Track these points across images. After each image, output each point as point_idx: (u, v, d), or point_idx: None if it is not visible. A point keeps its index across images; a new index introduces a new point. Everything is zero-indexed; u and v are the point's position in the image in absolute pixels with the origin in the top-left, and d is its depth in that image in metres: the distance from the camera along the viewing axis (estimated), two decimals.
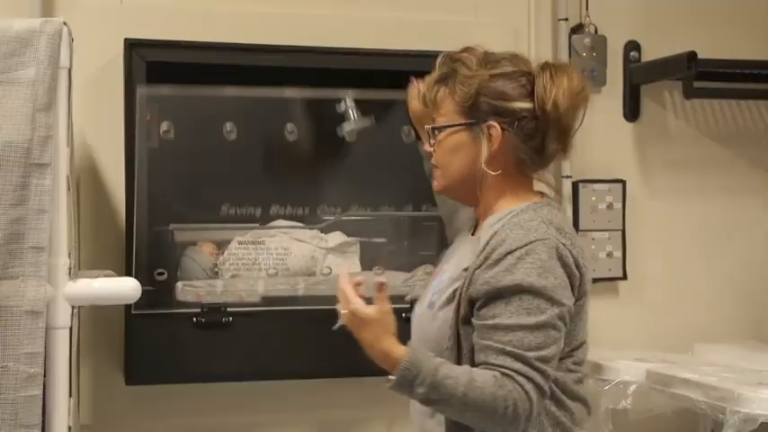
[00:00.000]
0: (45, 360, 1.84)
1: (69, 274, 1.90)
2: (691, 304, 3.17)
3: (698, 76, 2.92)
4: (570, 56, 3.05)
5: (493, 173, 1.76)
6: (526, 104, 1.76)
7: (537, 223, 1.70)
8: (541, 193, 1.86)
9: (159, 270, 2.54)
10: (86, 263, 2.59)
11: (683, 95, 3.09)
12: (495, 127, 1.75)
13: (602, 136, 3.13)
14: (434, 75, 1.83)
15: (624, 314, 3.13)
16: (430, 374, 1.63)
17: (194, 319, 2.46)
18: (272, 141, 2.90)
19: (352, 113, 2.64)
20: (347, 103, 2.64)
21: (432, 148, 1.83)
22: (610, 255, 3.06)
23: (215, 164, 2.86)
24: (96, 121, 2.66)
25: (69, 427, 1.92)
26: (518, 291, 1.64)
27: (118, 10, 2.71)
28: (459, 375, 1.63)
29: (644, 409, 2.51)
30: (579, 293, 1.73)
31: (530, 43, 3.05)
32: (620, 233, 3.08)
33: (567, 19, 3.06)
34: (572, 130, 1.80)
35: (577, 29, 3.08)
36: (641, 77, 3.12)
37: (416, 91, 1.98)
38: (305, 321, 2.54)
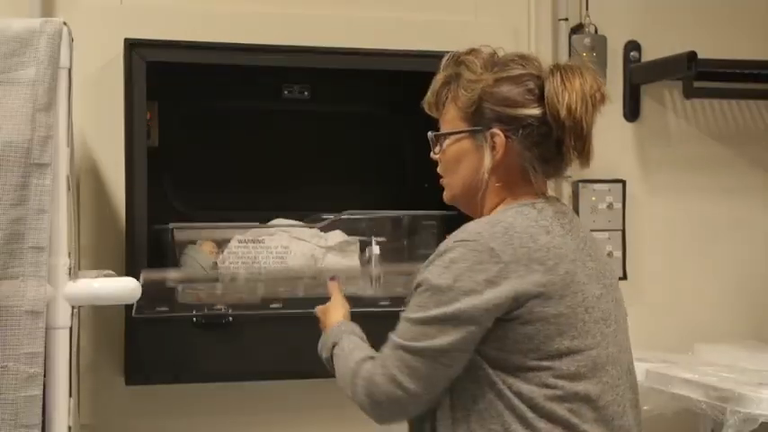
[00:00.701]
0: (45, 360, 1.84)
1: (69, 274, 1.90)
2: (691, 304, 3.17)
3: (698, 76, 2.92)
4: (570, 56, 3.05)
5: (496, 183, 1.68)
6: (534, 111, 1.66)
7: (479, 225, 1.62)
8: (546, 196, 1.73)
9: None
10: (86, 263, 2.59)
11: (683, 95, 3.09)
12: (499, 135, 1.66)
13: (602, 136, 3.09)
14: (438, 78, 1.76)
15: None
16: (332, 343, 1.79)
17: (194, 319, 2.46)
18: (273, 141, 2.91)
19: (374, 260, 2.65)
20: (373, 250, 2.65)
21: (437, 156, 1.76)
22: (610, 255, 3.06)
23: (215, 163, 2.86)
24: (96, 121, 2.66)
25: (69, 427, 1.92)
26: (420, 286, 1.61)
27: (118, 10, 2.71)
28: (347, 350, 1.72)
29: (644, 409, 2.51)
30: (534, 294, 1.56)
31: (530, 43, 3.05)
32: (620, 233, 3.08)
33: (567, 19, 3.06)
34: (590, 136, 1.74)
35: (577, 29, 3.08)
36: (641, 77, 3.12)
37: None
38: (305, 321, 2.54)
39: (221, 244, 2.60)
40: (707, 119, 3.23)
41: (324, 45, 2.67)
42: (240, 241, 2.56)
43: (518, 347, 1.56)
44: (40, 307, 1.82)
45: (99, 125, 2.66)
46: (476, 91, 1.67)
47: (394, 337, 1.61)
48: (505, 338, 1.56)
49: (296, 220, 2.72)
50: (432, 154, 1.77)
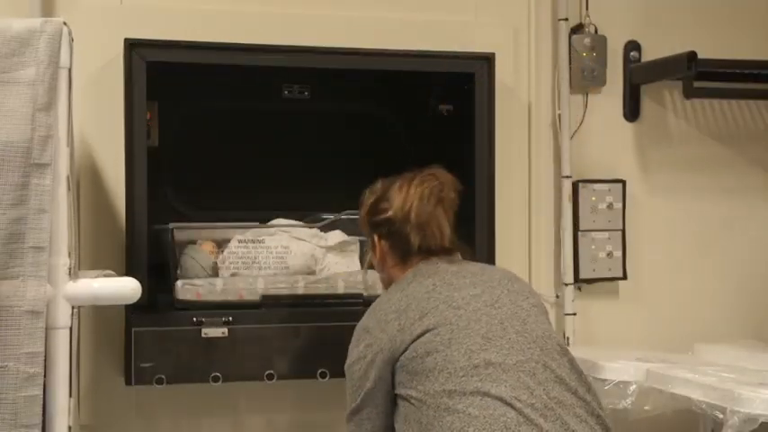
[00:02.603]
0: (45, 360, 1.84)
1: (69, 274, 1.90)
2: (691, 304, 3.17)
3: (698, 76, 2.92)
4: (570, 56, 3.05)
5: (381, 274, 2.27)
6: (388, 214, 2.19)
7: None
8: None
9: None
10: (86, 263, 2.59)
11: (683, 95, 3.09)
12: (375, 237, 2.24)
13: (602, 136, 3.13)
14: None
15: (624, 314, 3.13)
16: None
17: (194, 318, 2.46)
18: (273, 141, 2.91)
19: None
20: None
21: None
22: (610, 255, 3.06)
23: (215, 163, 2.86)
24: (96, 121, 2.66)
25: (69, 427, 1.91)
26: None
27: (118, 10, 2.71)
28: None
29: (644, 409, 2.51)
30: (409, 339, 1.98)
31: (530, 43, 3.05)
32: (620, 233, 3.08)
33: (567, 19, 3.06)
34: (431, 227, 2.17)
35: (577, 29, 3.08)
36: (641, 77, 3.12)
37: None
38: (305, 320, 2.54)
39: (221, 244, 2.60)
40: (707, 119, 3.23)
41: (324, 45, 2.67)
42: (240, 241, 2.56)
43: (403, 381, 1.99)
44: (40, 307, 1.82)
45: (99, 125, 2.66)
46: (364, 211, 2.26)
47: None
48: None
49: (296, 220, 2.72)
50: None
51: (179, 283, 2.49)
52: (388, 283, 2.24)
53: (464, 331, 1.96)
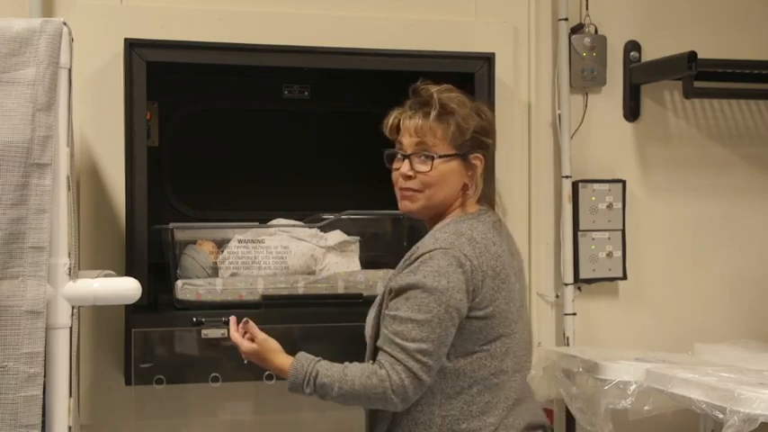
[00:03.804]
0: (45, 360, 1.84)
1: (69, 274, 1.90)
2: (691, 304, 3.18)
3: (698, 76, 2.92)
4: (570, 56, 3.05)
5: (470, 196, 2.08)
6: (490, 139, 2.10)
7: (448, 234, 1.98)
8: (489, 206, 2.13)
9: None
10: (86, 263, 2.59)
11: (683, 95, 3.09)
12: (479, 158, 2.07)
13: (602, 136, 3.13)
14: (432, 109, 2.06)
15: (624, 314, 3.13)
16: (311, 377, 1.97)
17: (194, 318, 2.46)
18: (273, 141, 2.91)
19: None
20: None
21: (413, 172, 2.07)
22: (610, 255, 3.06)
23: (215, 163, 2.86)
24: (96, 121, 2.66)
25: (69, 427, 1.92)
26: (415, 289, 1.93)
27: (118, 10, 2.71)
28: (333, 374, 1.95)
29: (644, 409, 2.51)
30: (489, 295, 1.95)
31: (530, 43, 3.05)
32: (620, 233, 3.08)
33: (567, 19, 3.06)
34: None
35: (577, 29, 3.08)
36: (641, 77, 3.12)
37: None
38: (305, 320, 2.54)
39: (221, 244, 2.60)
40: (707, 119, 3.23)
41: (324, 45, 2.67)
42: (240, 241, 2.56)
43: (468, 337, 1.95)
44: (40, 307, 1.82)
45: (99, 125, 2.66)
46: (458, 123, 2.05)
47: (403, 342, 1.91)
48: (465, 329, 1.95)
49: (296, 220, 2.72)
50: (406, 170, 2.08)
51: (179, 282, 2.49)
52: (450, 207, 2.07)
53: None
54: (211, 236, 2.62)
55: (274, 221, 2.69)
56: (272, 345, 2.08)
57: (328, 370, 1.97)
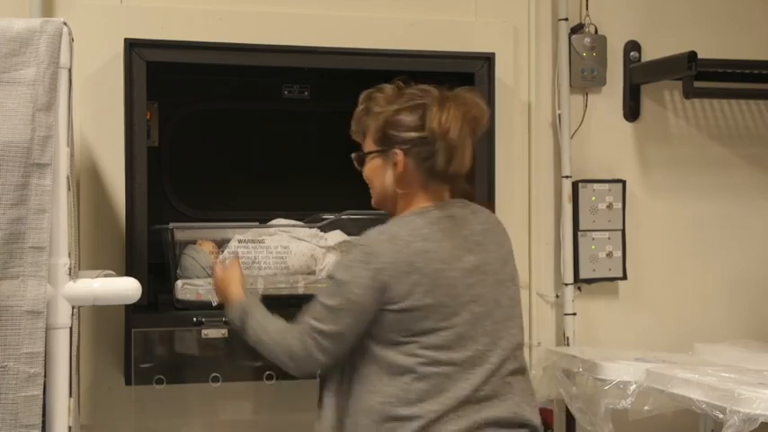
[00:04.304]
0: (45, 360, 1.84)
1: (69, 274, 1.90)
2: (691, 304, 3.18)
3: (698, 76, 2.92)
4: (570, 56, 3.05)
5: (400, 191, 2.10)
6: (419, 133, 2.05)
7: (374, 231, 2.06)
8: (439, 202, 2.11)
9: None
10: (86, 263, 2.59)
11: (683, 95, 3.09)
12: (398, 153, 2.07)
13: (602, 136, 3.13)
14: (358, 109, 2.17)
15: (624, 314, 3.13)
16: (244, 314, 2.15)
17: (194, 318, 2.46)
18: (273, 141, 2.91)
19: None
20: None
21: (363, 172, 2.17)
22: (610, 255, 3.06)
23: (215, 163, 2.86)
24: (96, 121, 2.66)
25: (69, 427, 1.91)
26: (330, 278, 2.08)
27: (118, 10, 2.71)
28: (260, 320, 2.14)
29: (644, 409, 2.51)
30: (404, 290, 1.98)
31: (530, 43, 3.05)
32: (620, 233, 3.08)
33: (567, 19, 3.06)
34: (460, 151, 2.06)
35: (577, 29, 3.08)
36: (641, 77, 3.12)
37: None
38: None
39: (221, 244, 2.60)
40: (707, 119, 3.23)
41: (324, 45, 2.67)
42: (240, 241, 2.57)
43: (390, 328, 2.00)
44: (40, 307, 1.82)
45: (99, 125, 2.66)
46: (380, 120, 2.09)
47: (309, 319, 2.05)
48: (384, 321, 2.00)
49: (296, 220, 2.72)
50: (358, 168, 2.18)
51: (179, 282, 2.49)
52: (395, 201, 2.12)
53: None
54: (211, 236, 2.62)
55: (274, 221, 2.70)
56: (238, 276, 2.26)
57: (257, 314, 2.15)
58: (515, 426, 2.03)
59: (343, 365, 2.07)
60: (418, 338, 2.00)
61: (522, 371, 2.10)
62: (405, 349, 2.00)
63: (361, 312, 2.01)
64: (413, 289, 1.99)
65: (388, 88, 2.13)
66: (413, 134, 2.05)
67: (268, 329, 2.12)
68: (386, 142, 2.09)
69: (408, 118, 2.06)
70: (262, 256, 2.56)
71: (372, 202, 2.18)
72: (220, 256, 2.56)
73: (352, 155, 2.18)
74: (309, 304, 2.08)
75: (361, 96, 2.17)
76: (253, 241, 2.58)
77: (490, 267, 2.07)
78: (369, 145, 2.14)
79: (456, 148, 2.04)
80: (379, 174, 2.12)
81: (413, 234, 2.02)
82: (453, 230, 2.06)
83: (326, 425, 2.12)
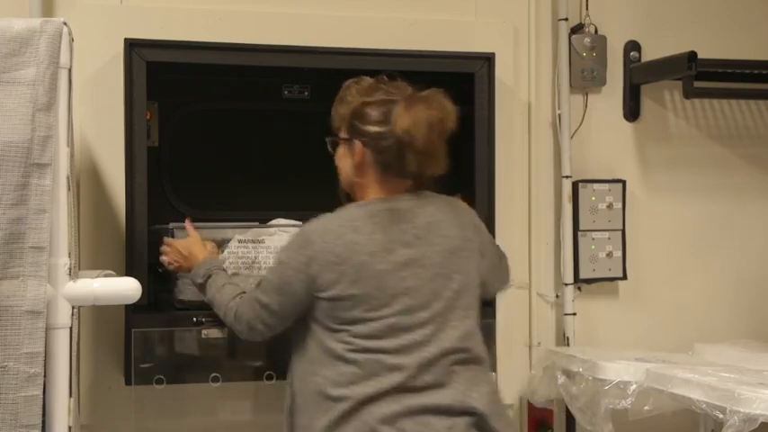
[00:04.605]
0: (45, 360, 1.84)
1: (69, 274, 1.90)
2: (691, 304, 3.18)
3: (698, 76, 2.92)
4: (570, 56, 3.05)
5: (357, 180, 2.19)
6: (380, 128, 2.12)
7: (317, 219, 2.16)
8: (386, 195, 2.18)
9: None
10: (86, 263, 2.59)
11: (683, 95, 3.09)
12: (358, 144, 2.16)
13: (602, 136, 3.13)
14: (336, 97, 2.24)
15: (624, 314, 3.13)
16: (207, 275, 2.32)
17: (194, 318, 2.46)
18: (273, 141, 2.91)
19: None
20: None
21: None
22: (610, 255, 3.06)
23: (215, 163, 2.86)
24: (96, 121, 2.66)
25: (69, 427, 1.92)
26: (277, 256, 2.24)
27: (118, 10, 2.71)
28: (218, 283, 2.30)
29: (644, 409, 2.51)
30: (331, 279, 2.07)
31: (530, 43, 3.05)
32: (620, 233, 3.08)
33: (566, 19, 3.06)
34: (430, 152, 2.12)
35: (577, 29, 3.08)
36: (641, 77, 3.12)
37: None
38: None
39: (221, 244, 2.60)
40: (707, 119, 3.23)
41: (324, 45, 2.67)
42: (240, 241, 2.56)
43: (325, 314, 2.10)
44: (40, 307, 1.82)
45: (99, 125, 2.66)
46: (348, 111, 2.18)
47: (256, 290, 2.20)
48: (320, 308, 2.11)
49: (296, 220, 2.72)
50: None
51: (179, 282, 2.49)
52: (353, 190, 2.22)
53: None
54: (211, 236, 2.61)
55: (274, 221, 2.69)
56: (197, 238, 2.44)
57: (218, 280, 2.31)
58: (457, 413, 2.07)
59: (298, 350, 2.19)
60: (348, 327, 2.08)
61: (474, 360, 2.14)
62: (338, 336, 2.09)
63: (293, 294, 2.13)
64: (339, 278, 2.07)
65: (366, 81, 2.21)
66: (374, 128, 2.13)
67: (224, 293, 2.27)
68: (351, 132, 2.18)
69: (374, 112, 2.14)
70: (262, 256, 2.56)
71: (340, 187, 2.28)
72: (220, 257, 2.56)
73: (327, 139, 2.26)
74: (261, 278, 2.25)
75: (342, 86, 2.24)
76: (253, 241, 2.58)
77: (429, 261, 2.11)
78: (340, 132, 2.22)
79: (414, 148, 2.10)
80: (342, 161, 2.22)
81: (345, 225, 2.11)
82: (390, 224, 2.12)
83: (286, 403, 2.24)
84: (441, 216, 2.17)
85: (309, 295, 2.11)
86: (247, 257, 2.56)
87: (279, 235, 2.61)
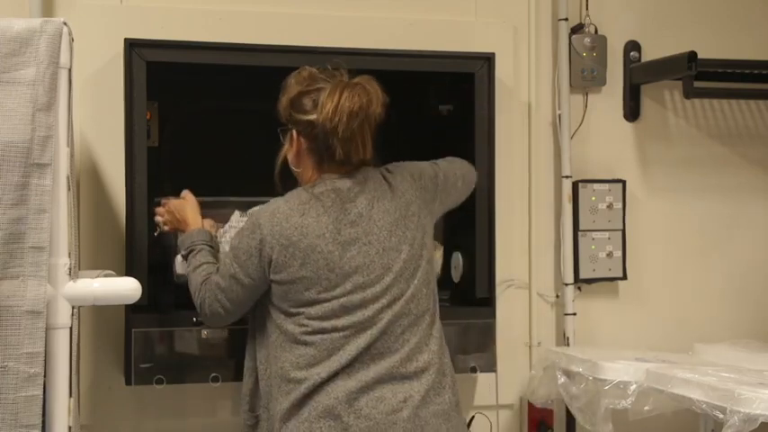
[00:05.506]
0: (45, 360, 1.84)
1: (69, 274, 1.90)
2: (691, 304, 3.18)
3: (698, 75, 2.92)
4: (570, 56, 3.05)
5: (297, 169, 2.27)
6: (311, 116, 2.18)
7: (266, 204, 2.23)
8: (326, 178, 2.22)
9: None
10: (86, 263, 2.59)
11: (683, 95, 3.09)
12: (294, 133, 2.24)
13: (602, 136, 3.13)
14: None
15: (624, 314, 3.13)
16: (191, 246, 2.36)
17: (194, 318, 2.46)
18: (273, 141, 2.91)
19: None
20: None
21: None
22: (610, 255, 3.06)
23: (215, 163, 2.86)
24: (96, 121, 2.66)
25: (69, 427, 1.92)
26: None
27: (118, 10, 2.71)
28: (196, 263, 2.33)
29: (644, 409, 2.51)
30: (281, 262, 2.15)
31: (530, 43, 3.05)
32: (620, 233, 3.08)
33: (566, 19, 3.06)
34: (353, 139, 2.17)
35: (577, 29, 3.08)
36: (641, 77, 3.12)
37: None
38: None
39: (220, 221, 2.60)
40: (707, 119, 3.23)
41: (324, 45, 2.67)
42: (243, 214, 2.57)
43: (281, 298, 2.18)
44: (40, 307, 1.82)
45: (99, 125, 2.66)
46: (286, 99, 2.25)
47: (215, 275, 2.26)
48: (276, 293, 2.18)
49: None
50: None
51: (178, 257, 2.49)
52: (298, 178, 2.29)
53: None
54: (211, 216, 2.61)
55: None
56: (193, 202, 2.47)
57: (200, 258, 2.33)
58: (410, 376, 2.16)
59: (258, 336, 2.26)
60: (304, 309, 2.15)
61: (422, 315, 2.22)
62: (294, 320, 2.16)
63: (247, 277, 2.19)
64: (290, 261, 2.14)
65: (306, 71, 2.27)
66: (305, 117, 2.20)
67: (197, 274, 2.31)
68: (288, 121, 2.25)
69: (307, 101, 2.20)
70: None
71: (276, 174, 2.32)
72: (220, 230, 2.56)
73: (278, 129, 2.30)
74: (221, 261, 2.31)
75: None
76: None
77: (374, 237, 2.18)
78: (283, 123, 2.29)
79: (339, 136, 2.15)
80: (285, 150, 2.28)
81: (293, 208, 2.17)
82: (334, 205, 2.18)
83: (245, 388, 2.32)
84: (378, 192, 2.22)
85: (264, 278, 2.18)
86: None
87: None
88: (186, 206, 2.46)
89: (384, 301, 2.17)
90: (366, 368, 2.14)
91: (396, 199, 2.24)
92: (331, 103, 2.14)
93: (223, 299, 2.24)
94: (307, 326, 2.16)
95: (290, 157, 2.28)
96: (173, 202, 2.47)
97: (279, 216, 2.17)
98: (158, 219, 2.49)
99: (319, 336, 2.15)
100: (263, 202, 2.63)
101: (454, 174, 2.44)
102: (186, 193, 2.50)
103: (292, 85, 2.25)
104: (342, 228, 2.16)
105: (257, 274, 2.19)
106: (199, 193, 2.84)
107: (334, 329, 2.15)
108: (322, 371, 2.13)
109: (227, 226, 2.55)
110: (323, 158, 2.21)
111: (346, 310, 2.15)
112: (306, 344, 2.15)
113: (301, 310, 2.16)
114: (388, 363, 2.15)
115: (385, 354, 2.16)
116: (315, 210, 2.17)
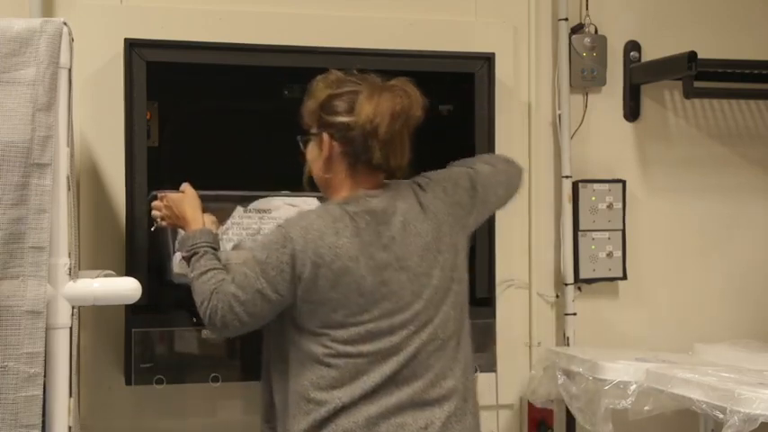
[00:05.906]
0: (45, 360, 1.84)
1: (69, 274, 1.90)
2: (691, 304, 3.18)
3: (698, 76, 2.92)
4: (570, 56, 3.05)
5: (327, 175, 2.15)
6: (346, 118, 2.09)
7: (296, 217, 2.14)
8: (360, 193, 2.13)
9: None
10: (86, 263, 2.59)
11: (683, 95, 3.09)
12: (326, 137, 2.12)
13: (602, 136, 3.13)
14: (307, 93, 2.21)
15: (624, 314, 3.13)
16: (193, 249, 2.21)
17: (194, 318, 2.46)
18: (273, 141, 2.91)
19: None
20: None
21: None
22: (610, 255, 3.06)
23: (215, 163, 2.86)
24: (96, 121, 2.66)
25: (69, 427, 1.92)
26: (252, 254, 2.13)
27: (118, 10, 2.71)
28: (201, 268, 2.16)
29: (644, 409, 2.51)
30: (312, 282, 2.04)
31: (530, 43, 3.05)
32: (620, 233, 3.08)
33: (567, 19, 3.06)
34: (394, 142, 2.10)
35: (577, 29, 3.08)
36: (641, 77, 3.12)
37: None
38: None
39: (222, 219, 2.59)
40: (707, 119, 3.23)
41: (324, 45, 2.67)
42: (246, 210, 2.55)
43: (307, 317, 2.08)
44: (40, 307, 1.82)
45: (99, 125, 2.66)
46: (316, 104, 2.15)
47: (231, 286, 2.09)
48: (301, 312, 2.08)
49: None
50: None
51: (176, 255, 2.47)
52: (325, 187, 2.19)
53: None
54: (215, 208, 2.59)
55: (278, 198, 2.65)
56: (194, 197, 2.34)
57: (205, 260, 2.18)
58: (433, 403, 2.08)
59: (276, 350, 2.17)
60: (329, 331, 2.07)
61: (449, 339, 2.13)
62: (318, 340, 2.07)
63: (275, 293, 2.06)
64: (320, 282, 2.04)
65: (334, 74, 2.17)
66: (340, 119, 2.10)
67: (206, 282, 2.15)
68: (320, 125, 2.14)
69: (340, 103, 2.11)
70: (267, 227, 2.53)
71: (305, 178, 2.24)
72: (222, 227, 2.54)
73: (298, 138, 2.21)
74: (233, 269, 2.15)
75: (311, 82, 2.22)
76: (258, 211, 2.56)
77: (406, 263, 2.10)
78: (310, 128, 2.18)
79: (379, 138, 2.08)
80: (312, 157, 2.18)
81: (328, 226, 2.06)
82: (368, 227, 2.08)
83: (262, 400, 2.24)
84: (411, 213, 2.13)
85: (292, 295, 2.07)
86: (252, 228, 2.54)
87: (285, 208, 2.58)
88: (185, 201, 2.34)
89: (412, 327, 2.09)
90: (389, 394, 2.06)
91: (428, 221, 2.14)
92: (370, 105, 2.07)
93: (241, 312, 2.09)
94: (331, 348, 2.07)
95: (319, 164, 2.16)
96: (171, 197, 2.35)
97: (313, 233, 2.05)
98: (156, 213, 2.37)
99: (344, 359, 2.06)
100: (263, 196, 2.66)
101: (496, 181, 2.33)
102: (186, 187, 2.37)
103: (321, 89, 2.15)
104: (374, 252, 2.07)
105: (286, 290, 2.06)
106: (199, 194, 2.85)
107: (360, 355, 2.06)
108: (344, 395, 2.05)
109: (229, 222, 2.54)
110: (358, 162, 2.11)
111: (373, 336, 2.06)
112: (329, 366, 2.07)
113: (327, 331, 2.07)
114: (412, 389, 2.07)
115: (409, 380, 2.08)
116: (349, 230, 2.06)
